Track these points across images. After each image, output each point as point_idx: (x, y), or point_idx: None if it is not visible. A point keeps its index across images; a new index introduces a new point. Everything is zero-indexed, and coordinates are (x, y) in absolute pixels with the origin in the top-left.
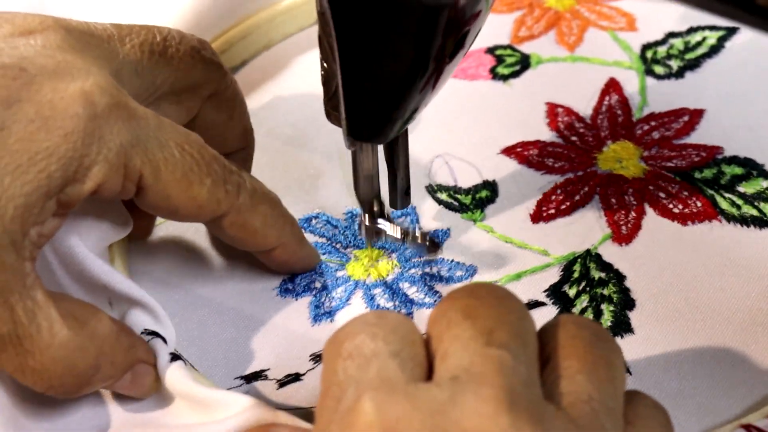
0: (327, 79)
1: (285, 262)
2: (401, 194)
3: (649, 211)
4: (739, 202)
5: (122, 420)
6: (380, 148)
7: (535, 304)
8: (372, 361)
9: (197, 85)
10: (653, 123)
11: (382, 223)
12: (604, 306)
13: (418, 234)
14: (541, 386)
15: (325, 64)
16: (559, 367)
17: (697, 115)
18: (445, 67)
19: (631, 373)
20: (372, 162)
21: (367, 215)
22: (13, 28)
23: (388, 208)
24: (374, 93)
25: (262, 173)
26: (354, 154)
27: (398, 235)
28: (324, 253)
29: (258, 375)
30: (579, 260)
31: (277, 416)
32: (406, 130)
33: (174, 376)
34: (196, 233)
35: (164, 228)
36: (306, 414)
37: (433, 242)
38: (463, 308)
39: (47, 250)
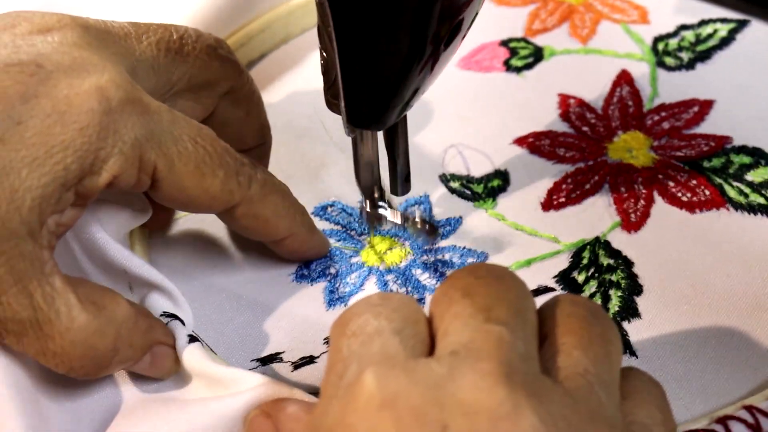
0: (327, 69)
1: (296, 250)
2: (401, 180)
3: (658, 199)
4: (747, 190)
5: (140, 398)
6: (380, 135)
7: (545, 290)
8: (375, 338)
9: (213, 82)
10: (663, 113)
11: (383, 209)
12: (612, 291)
13: (417, 219)
14: (540, 362)
15: (324, 54)
16: (556, 343)
17: (706, 105)
18: (441, 55)
19: (637, 357)
20: (372, 149)
21: (368, 201)
22: (31, 26)
23: (389, 195)
24: (372, 80)
25: (280, 164)
26: (354, 141)
27: (398, 221)
28: (339, 240)
29: (273, 357)
30: (588, 247)
31: (292, 392)
32: (406, 117)
33: (192, 356)
34: (213, 225)
35: (183, 222)
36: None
37: (432, 227)
38: (464, 287)
39: (70, 237)
